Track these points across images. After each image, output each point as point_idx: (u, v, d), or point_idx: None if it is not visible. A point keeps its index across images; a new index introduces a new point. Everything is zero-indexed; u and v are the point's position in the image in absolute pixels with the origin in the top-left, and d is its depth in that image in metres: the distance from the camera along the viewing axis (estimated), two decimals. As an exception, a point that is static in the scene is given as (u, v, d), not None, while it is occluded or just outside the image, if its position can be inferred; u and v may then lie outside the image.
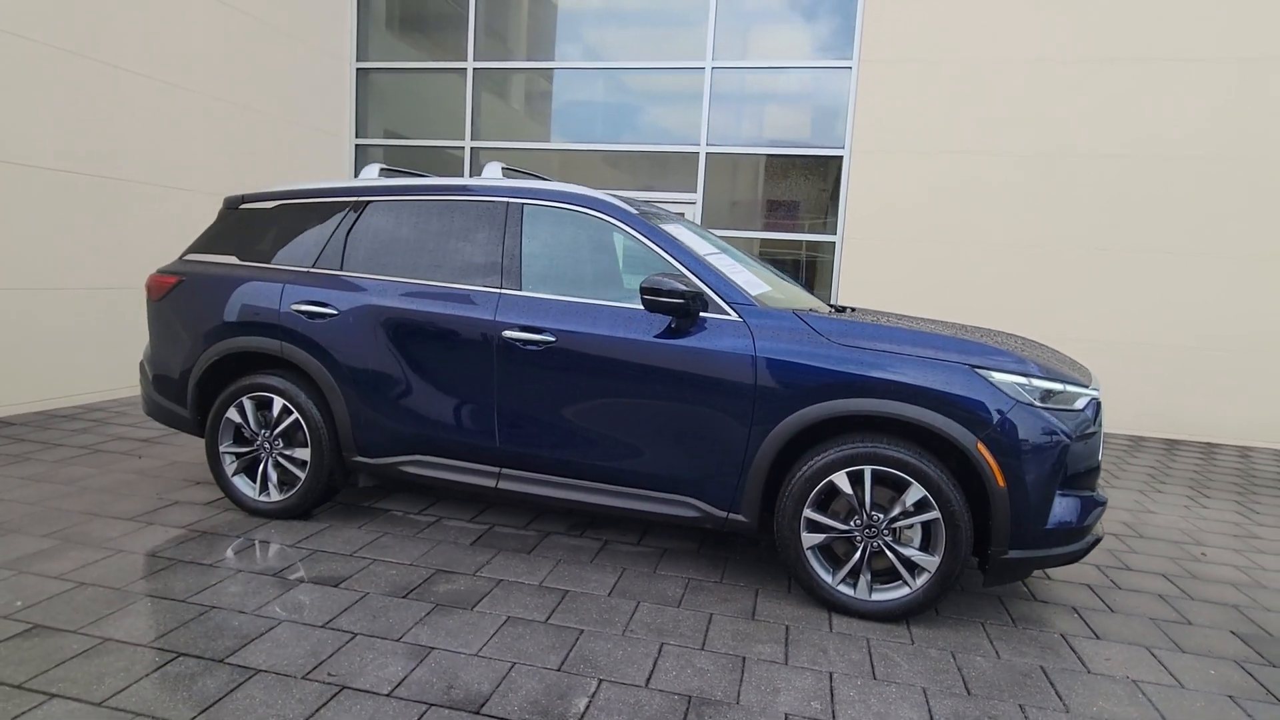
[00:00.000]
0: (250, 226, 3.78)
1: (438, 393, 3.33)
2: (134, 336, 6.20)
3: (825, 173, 7.70)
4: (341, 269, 3.54)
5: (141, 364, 4.01)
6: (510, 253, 3.33)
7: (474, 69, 8.34)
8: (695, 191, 7.91)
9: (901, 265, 7.44)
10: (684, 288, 2.94)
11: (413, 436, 3.40)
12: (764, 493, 3.01)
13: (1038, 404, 2.78)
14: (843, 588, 2.93)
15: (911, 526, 2.85)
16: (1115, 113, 6.87)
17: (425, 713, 2.14)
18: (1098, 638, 2.90)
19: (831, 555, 3.00)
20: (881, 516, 2.86)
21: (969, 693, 2.44)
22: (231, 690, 2.20)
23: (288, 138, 7.70)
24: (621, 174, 8.15)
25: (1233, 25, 6.58)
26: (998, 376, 2.78)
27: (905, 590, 2.87)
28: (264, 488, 3.63)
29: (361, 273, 3.50)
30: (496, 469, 3.32)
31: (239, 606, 2.72)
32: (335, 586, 2.94)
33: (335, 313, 3.44)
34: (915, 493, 2.80)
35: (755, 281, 3.34)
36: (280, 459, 3.59)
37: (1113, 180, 6.93)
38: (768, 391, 2.91)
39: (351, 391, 3.43)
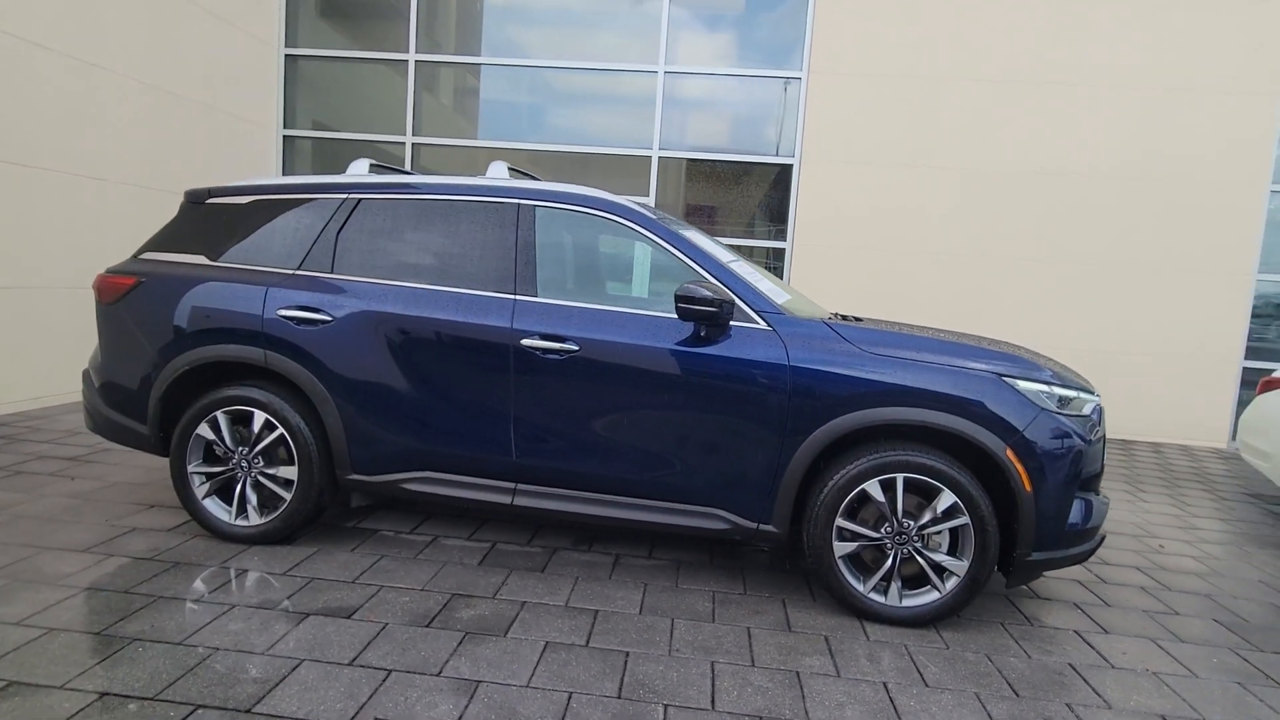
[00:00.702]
0: (220, 223, 3.44)
1: (447, 405, 3.13)
2: (41, 340, 5.55)
3: (776, 180, 7.84)
4: (332, 272, 3.27)
5: (86, 373, 3.58)
6: (524, 257, 3.18)
7: (416, 61, 7.98)
8: (648, 195, 7.87)
9: (848, 271, 7.66)
10: (717, 296, 2.88)
11: (417, 452, 3.18)
12: (795, 503, 2.99)
13: (1056, 411, 2.89)
14: (874, 595, 2.95)
15: (940, 532, 2.90)
16: (1045, 132, 7.32)
17: (499, 755, 1.99)
18: (1106, 632, 3.05)
19: (859, 563, 3.02)
20: (912, 523, 2.90)
21: (1017, 695, 2.50)
22: (272, 744, 1.97)
23: (210, 125, 7.12)
24: (573, 176, 8.00)
25: (1149, 57, 7.16)
26: (1023, 384, 2.88)
27: (935, 595, 2.92)
28: (241, 511, 3.30)
29: (356, 276, 3.25)
30: (511, 484, 3.16)
31: (247, 646, 2.45)
32: (348, 618, 2.70)
33: (329, 319, 3.17)
34: (946, 499, 2.85)
35: (777, 290, 3.33)
36: (261, 479, 3.28)
37: (1041, 195, 7.39)
38: (802, 401, 2.90)
39: (347, 405, 3.17)
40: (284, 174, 8.23)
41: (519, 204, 3.25)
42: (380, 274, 3.24)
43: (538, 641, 2.63)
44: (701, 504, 3.05)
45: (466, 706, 2.21)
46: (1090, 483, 3.02)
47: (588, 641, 2.65)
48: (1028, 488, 2.81)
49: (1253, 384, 7.48)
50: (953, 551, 2.91)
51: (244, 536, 3.29)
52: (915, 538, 2.90)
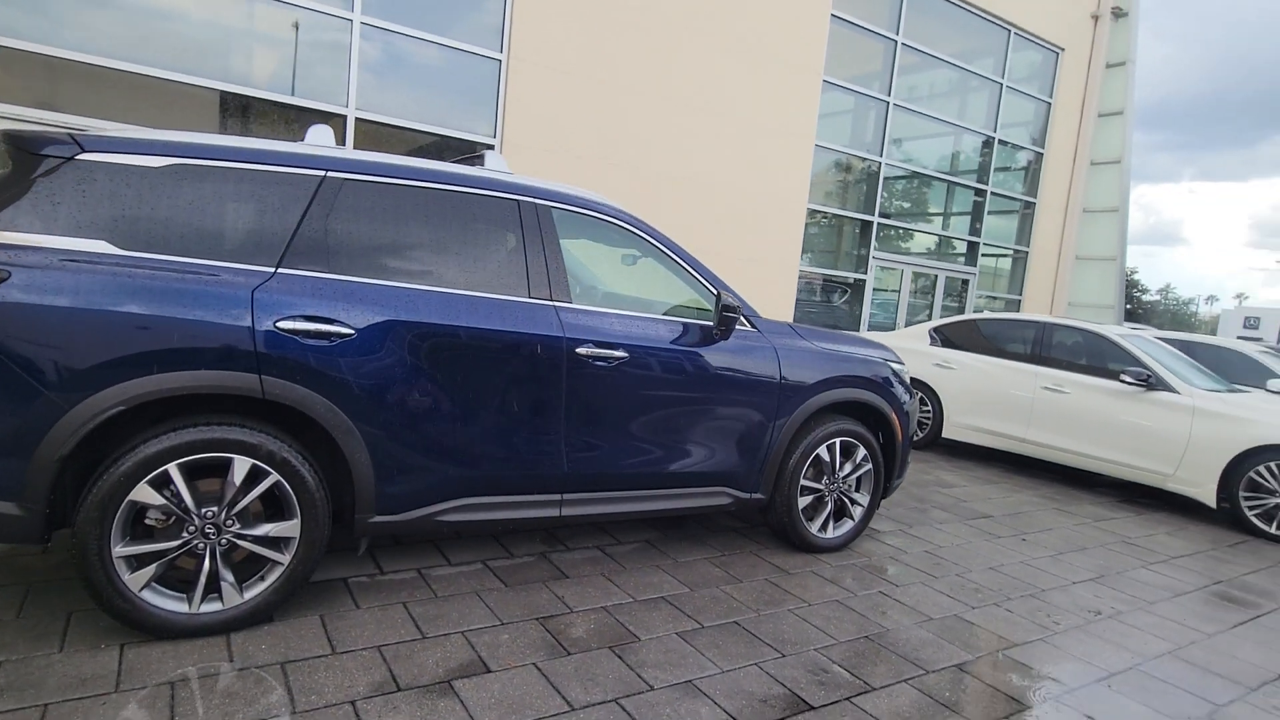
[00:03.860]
0: (113, 192, 2.34)
1: (497, 421, 2.86)
2: None
3: (476, 159, 7.81)
4: (329, 271, 2.60)
5: None
6: (552, 261, 3.06)
7: (-18, -78, 5.47)
8: (341, 158, 7.01)
9: (546, 254, 8.18)
10: (739, 304, 3.34)
11: (460, 477, 2.82)
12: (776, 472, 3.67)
13: (905, 382, 4.18)
14: (819, 533, 3.85)
15: (854, 478, 3.94)
16: (687, 147, 8.98)
17: (799, 723, 2.30)
18: (913, 525, 4.55)
19: (805, 511, 3.85)
20: (841, 475, 3.87)
21: (934, 576, 3.72)
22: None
23: None
24: (252, 125, 6.60)
25: (749, 102, 9.36)
26: (895, 366, 4.08)
27: (850, 524, 3.97)
28: (210, 592, 2.43)
29: (365, 277, 2.65)
30: (559, 495, 3.07)
31: (453, 733, 2.08)
32: (490, 672, 2.42)
33: (350, 333, 2.54)
34: (860, 453, 3.90)
35: (738, 296, 3.86)
36: (239, 543, 2.46)
37: (682, 197, 9.08)
38: (787, 390, 3.57)
39: (379, 436, 2.62)
40: None
41: (535, 203, 3.09)
42: (391, 276, 2.71)
43: (669, 635, 2.80)
44: (713, 485, 3.48)
45: (716, 703, 2.38)
46: (906, 429, 4.43)
47: (702, 625, 2.93)
48: (900, 438, 4.05)
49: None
50: (858, 489, 3.99)
51: (215, 625, 2.44)
52: (843, 484, 3.89)
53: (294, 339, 2.46)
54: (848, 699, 2.49)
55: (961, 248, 12.86)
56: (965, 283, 12.84)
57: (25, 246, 2.19)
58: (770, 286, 10.02)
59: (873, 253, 11.33)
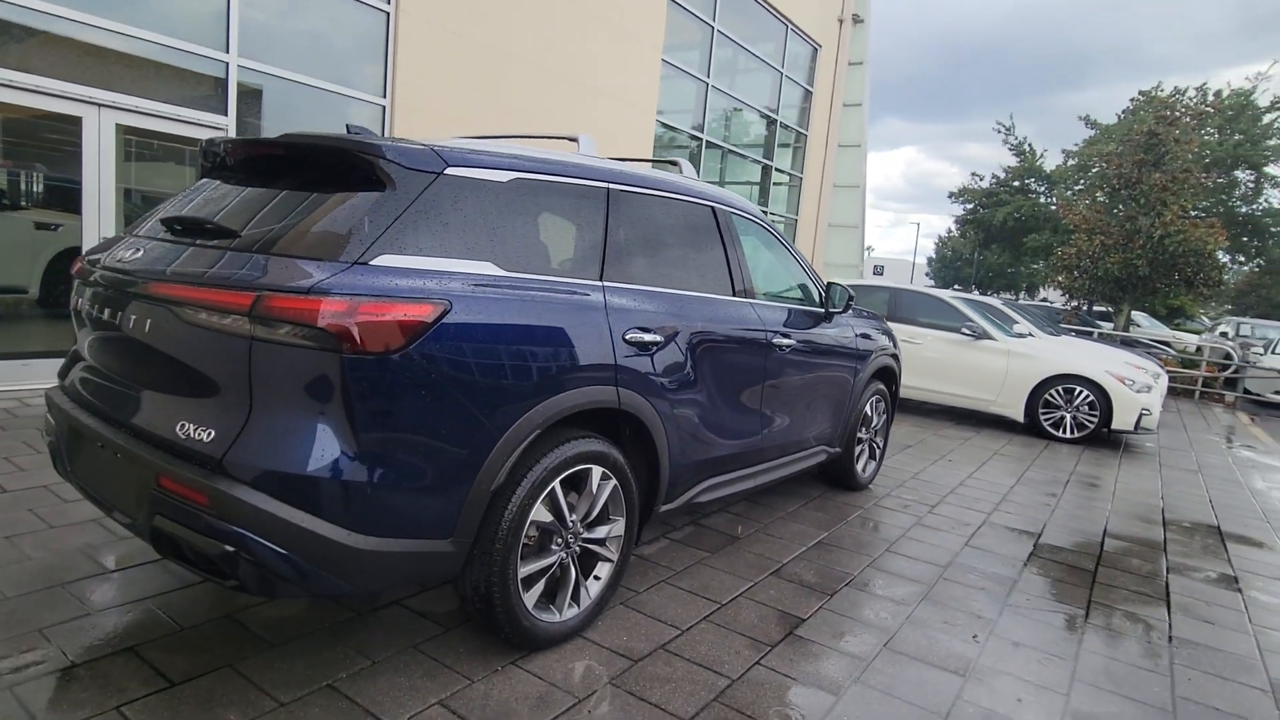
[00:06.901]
0: (483, 212, 2.24)
1: (733, 409, 3.20)
2: None
3: (374, 121, 7.18)
4: (632, 281, 2.72)
5: (276, 484, 1.79)
6: (743, 261, 3.42)
7: None
8: (225, 115, 6.05)
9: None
10: (852, 294, 4.01)
11: (709, 462, 3.13)
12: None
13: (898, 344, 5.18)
14: (862, 473, 4.73)
15: (878, 425, 4.87)
16: (559, 118, 9.10)
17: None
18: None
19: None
20: (872, 425, 4.78)
21: (941, 496, 4.83)
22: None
23: None
24: (102, 65, 5.37)
25: (622, 81, 9.70)
26: (891, 331, 5.05)
27: (874, 464, 4.91)
28: (574, 598, 2.52)
29: (642, 284, 2.80)
30: (756, 467, 3.49)
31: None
32: (804, 620, 2.88)
33: (659, 339, 2.71)
34: (883, 405, 4.85)
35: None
36: (590, 547, 2.58)
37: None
38: (860, 358, 4.34)
39: (674, 434, 2.83)
40: None
41: (725, 209, 3.40)
42: (659, 282, 2.89)
43: (866, 568, 3.46)
44: (819, 444, 4.14)
45: (947, 606, 3.12)
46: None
47: (872, 556, 3.62)
48: (898, 389, 5.07)
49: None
50: (877, 436, 4.93)
51: (576, 628, 2.55)
52: (874, 432, 4.81)
53: (632, 349, 2.59)
54: (1014, 581, 3.41)
55: (753, 216, 14.56)
56: (756, 247, 14.62)
57: (446, 272, 2.07)
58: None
59: (695, 221, 12.41)
